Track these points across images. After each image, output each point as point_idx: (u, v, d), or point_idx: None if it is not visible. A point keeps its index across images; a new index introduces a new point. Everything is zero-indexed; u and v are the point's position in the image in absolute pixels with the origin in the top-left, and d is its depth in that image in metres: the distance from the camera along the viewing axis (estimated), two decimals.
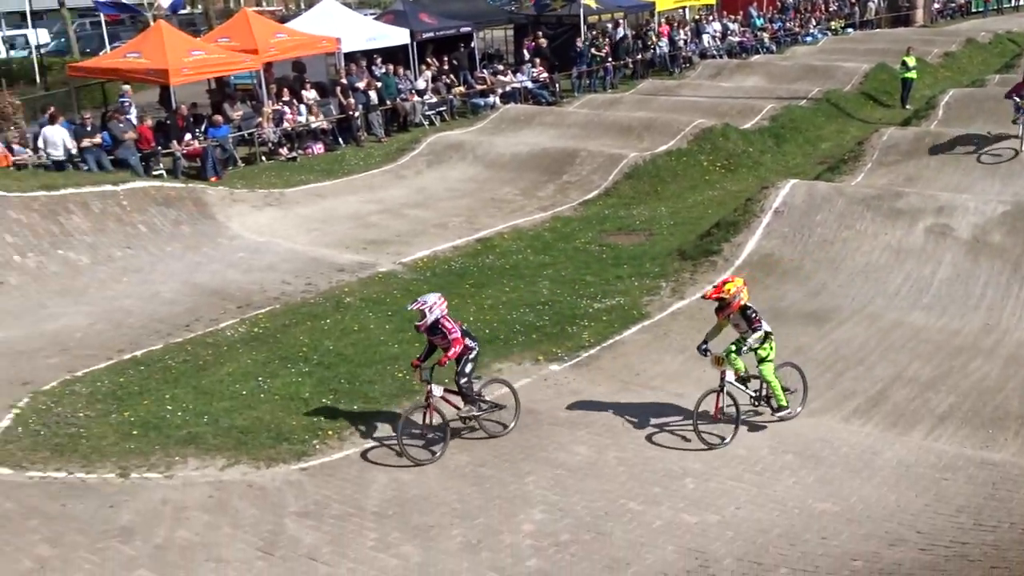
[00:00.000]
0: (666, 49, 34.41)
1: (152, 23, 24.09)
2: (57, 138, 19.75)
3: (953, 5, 52.05)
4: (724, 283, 10.34)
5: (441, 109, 26.93)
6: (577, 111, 27.37)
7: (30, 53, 37.05)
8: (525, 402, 11.05)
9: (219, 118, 22.02)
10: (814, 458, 9.81)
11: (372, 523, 8.93)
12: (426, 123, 26.19)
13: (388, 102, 25.58)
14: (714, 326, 10.67)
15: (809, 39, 41.03)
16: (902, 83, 29.12)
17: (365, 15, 33.19)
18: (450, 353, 10.17)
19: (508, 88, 28.56)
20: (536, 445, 10.36)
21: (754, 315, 10.17)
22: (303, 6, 50.13)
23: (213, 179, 20.59)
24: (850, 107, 28.51)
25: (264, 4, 59.89)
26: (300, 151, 23.31)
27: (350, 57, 26.40)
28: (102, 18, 37.18)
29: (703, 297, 11.46)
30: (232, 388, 11.62)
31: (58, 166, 19.52)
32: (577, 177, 21.37)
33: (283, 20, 33.00)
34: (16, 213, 15.67)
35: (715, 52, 36.88)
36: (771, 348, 10.31)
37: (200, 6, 45.02)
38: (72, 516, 8.83)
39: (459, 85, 27.85)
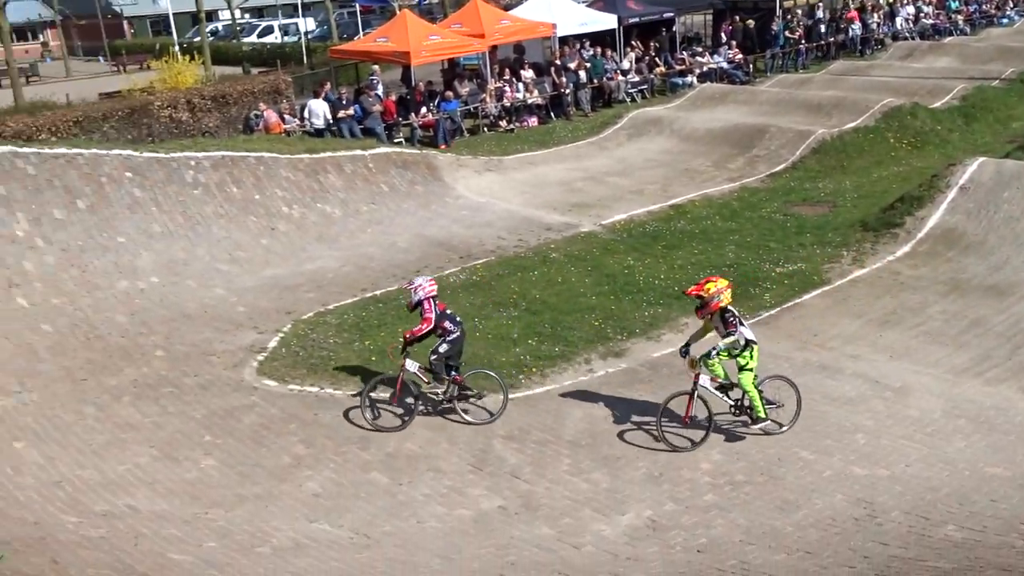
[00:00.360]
0: (859, 31, 32.24)
1: (398, 12, 24.80)
2: (319, 110, 20.72)
3: None
4: (706, 281, 9.02)
5: (643, 87, 26.39)
6: (769, 90, 26.17)
7: (299, 39, 39.13)
8: None
9: (450, 94, 22.49)
10: (987, 424, 9.10)
11: (567, 450, 9.03)
12: (628, 100, 25.76)
13: (595, 81, 25.34)
14: (700, 327, 9.41)
15: (1005, 21, 37.31)
16: None
17: (578, 3, 32.86)
18: (414, 329, 9.47)
19: (705, 68, 27.66)
20: None
21: (731, 319, 8.78)
22: None
23: (443, 147, 21.10)
24: None
25: None
26: (517, 124, 23.51)
27: (563, 40, 26.31)
28: (358, 8, 38.72)
29: (683, 293, 10.18)
30: None
31: (319, 133, 20.49)
32: (766, 151, 20.50)
33: (507, 8, 33.16)
34: (285, 172, 16.58)
35: (907, 34, 34.25)
36: (751, 357, 8.89)
37: None
38: (322, 423, 9.43)
39: (660, 66, 27.20)
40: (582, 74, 25.08)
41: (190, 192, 15.01)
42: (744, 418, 9.18)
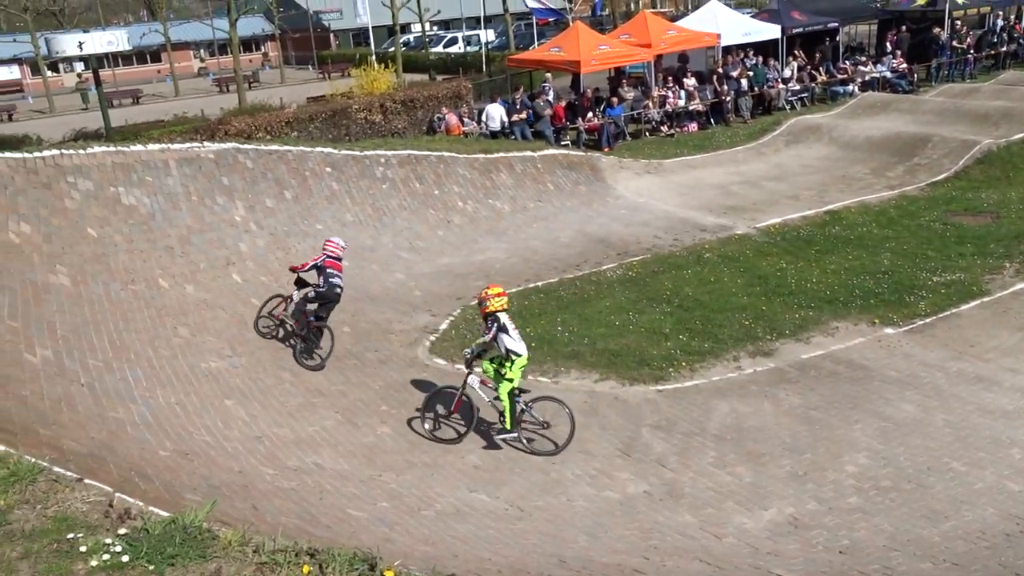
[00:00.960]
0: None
1: (571, 24, 24.69)
2: (495, 113, 21.00)
3: None
4: (491, 287, 8.55)
5: (803, 95, 25.14)
6: (933, 99, 24.28)
7: (480, 48, 39.77)
8: (857, 359, 10.17)
9: (615, 100, 22.23)
10: None
11: (712, 443, 8.73)
12: (788, 107, 24.62)
13: (756, 88, 24.36)
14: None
15: None
16: None
17: (743, 13, 31.69)
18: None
19: (867, 77, 25.99)
20: (865, 398, 9.51)
21: (491, 325, 8.26)
22: (691, 7, 49.12)
23: (606, 149, 20.90)
24: None
25: (659, 6, 59.53)
26: (678, 129, 22.96)
27: (727, 50, 25.39)
28: (534, 21, 38.91)
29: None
30: (608, 318, 11.83)
31: (494, 135, 20.78)
32: (927, 160, 19.05)
33: (674, 19, 32.48)
34: (462, 170, 16.91)
35: None
36: (510, 368, 8.31)
37: (607, 9, 45.67)
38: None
39: (821, 75, 25.80)
40: (743, 82, 24.17)
41: (379, 186, 15.56)
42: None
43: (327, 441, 8.33)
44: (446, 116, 20.78)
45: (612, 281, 13.24)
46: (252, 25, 56.69)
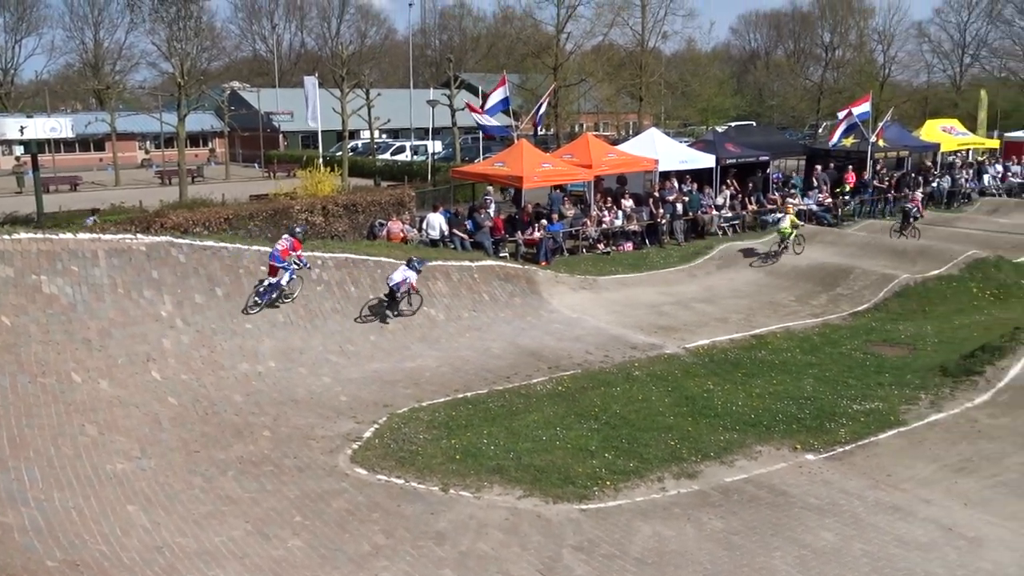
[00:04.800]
0: (947, 184, 31.42)
1: (516, 141, 25.50)
2: (436, 222, 21.27)
3: None
4: None
5: (735, 222, 26.21)
6: (856, 233, 25.54)
7: (427, 158, 40.71)
8: (779, 484, 10.25)
9: (555, 216, 22.80)
10: None
11: (633, 567, 8.57)
12: (720, 233, 25.58)
13: (691, 213, 25.32)
14: None
15: None
16: None
17: (681, 142, 33.24)
18: None
19: (795, 209, 27.25)
20: (785, 524, 9.52)
21: None
22: (631, 133, 51.36)
23: (543, 264, 21.26)
24: None
25: (601, 129, 62.14)
26: (614, 247, 23.57)
27: (664, 175, 26.47)
28: (481, 135, 40.14)
29: None
30: (535, 433, 11.74)
31: (433, 244, 21.00)
32: (849, 291, 19.85)
33: (614, 143, 33.86)
34: None
35: (995, 191, 33.15)
36: None
37: (553, 129, 47.44)
38: (403, 515, 9.26)
39: (753, 204, 26.98)
40: (679, 206, 25.10)
41: (314, 288, 15.48)
42: None
43: (233, 553, 7.95)
44: (388, 222, 20.98)
45: (542, 395, 13.22)
46: (201, 121, 57.20)
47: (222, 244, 15.07)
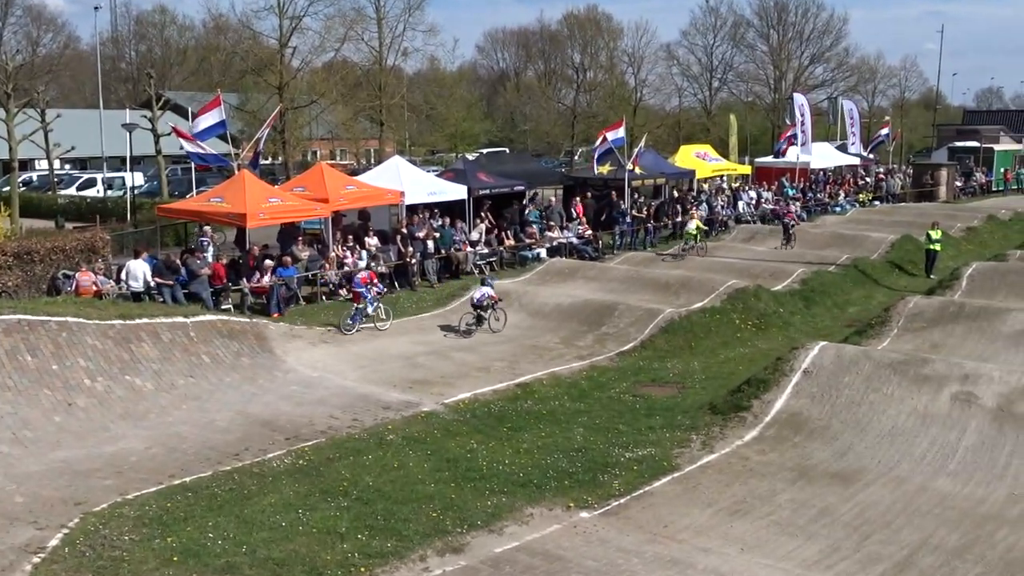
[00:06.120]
0: (704, 212, 34.68)
1: (237, 172, 24.74)
2: (138, 271, 20.05)
3: (975, 184, 52.17)
4: None
5: (492, 259, 27.14)
6: (618, 267, 27.41)
7: (124, 193, 38.39)
8: (553, 549, 10.57)
9: (287, 259, 22.32)
10: None
11: None
12: (477, 272, 26.32)
13: (443, 251, 25.87)
14: None
15: (838, 209, 41.15)
16: (927, 254, 28.99)
17: (428, 171, 33.98)
18: None
19: (554, 243, 28.80)
20: None
21: None
22: (373, 161, 51.76)
23: (275, 315, 20.71)
24: (877, 274, 28.25)
25: (338, 158, 62.07)
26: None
27: (412, 208, 26.85)
28: (192, 165, 38.52)
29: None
30: (273, 519, 11.27)
31: (136, 297, 19.78)
32: (615, 329, 21.18)
33: (354, 173, 33.92)
34: (92, 339, 15.75)
35: (749, 218, 37.10)
36: None
37: (280, 158, 46.64)
38: None
39: (509, 238, 28.12)
40: (430, 244, 25.56)
41: None
42: None
43: None
44: (76, 273, 19.48)
45: (279, 472, 12.75)
46: None
47: None
